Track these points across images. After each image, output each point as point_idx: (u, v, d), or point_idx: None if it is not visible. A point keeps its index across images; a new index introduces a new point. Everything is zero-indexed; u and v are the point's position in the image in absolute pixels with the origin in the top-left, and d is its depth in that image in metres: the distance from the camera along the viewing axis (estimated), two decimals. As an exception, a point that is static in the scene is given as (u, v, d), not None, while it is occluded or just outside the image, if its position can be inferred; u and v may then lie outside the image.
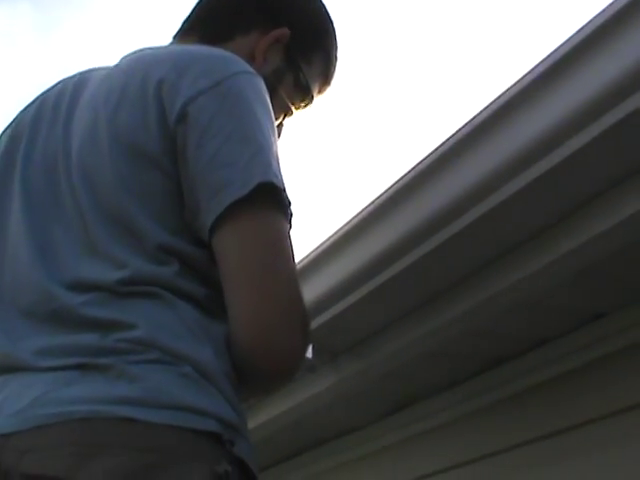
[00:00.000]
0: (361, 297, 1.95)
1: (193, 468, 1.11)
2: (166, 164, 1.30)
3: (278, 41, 1.66)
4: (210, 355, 1.22)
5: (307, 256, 2.05)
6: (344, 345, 2.20)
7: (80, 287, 1.26)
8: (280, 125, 1.74)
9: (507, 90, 1.58)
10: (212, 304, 1.28)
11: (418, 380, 2.40)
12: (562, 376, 2.12)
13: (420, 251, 1.78)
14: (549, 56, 1.51)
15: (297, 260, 2.05)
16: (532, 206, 1.64)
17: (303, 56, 1.70)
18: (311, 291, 2.01)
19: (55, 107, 1.47)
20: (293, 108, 1.73)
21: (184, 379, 1.18)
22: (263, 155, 1.29)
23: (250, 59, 1.57)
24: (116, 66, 1.48)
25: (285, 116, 1.74)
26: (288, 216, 1.31)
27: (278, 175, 1.29)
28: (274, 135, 1.35)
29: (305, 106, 1.76)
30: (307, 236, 2.12)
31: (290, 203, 1.31)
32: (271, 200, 1.28)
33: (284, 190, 1.29)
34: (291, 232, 1.32)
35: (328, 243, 1.99)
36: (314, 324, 2.06)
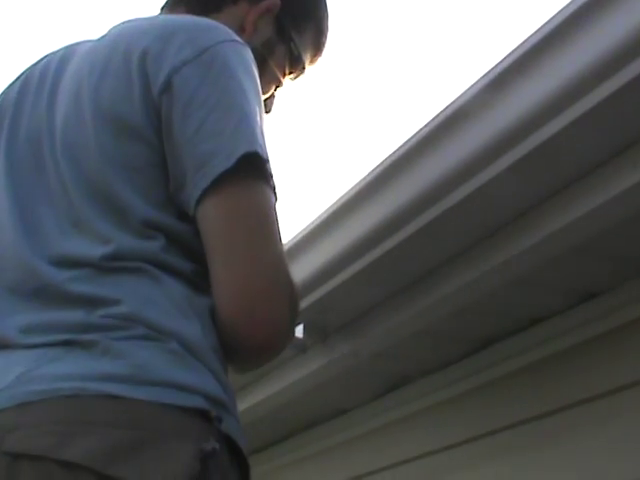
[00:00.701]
0: (350, 276, 1.93)
1: (179, 446, 1.09)
2: (150, 136, 1.28)
3: (268, 11, 1.64)
4: (197, 330, 1.21)
5: (296, 235, 2.04)
6: (335, 325, 2.19)
7: (65, 263, 1.25)
8: (271, 97, 1.72)
9: (493, 68, 1.57)
10: (198, 279, 1.27)
11: (409, 361, 2.39)
12: (553, 357, 2.11)
13: (409, 229, 1.76)
14: (539, 30, 1.49)
15: (286, 239, 2.06)
16: (521, 183, 1.62)
17: (294, 26, 1.68)
18: (301, 270, 2.00)
19: (40, 82, 1.45)
20: (284, 79, 1.71)
21: (170, 355, 1.17)
22: (248, 124, 1.27)
23: (239, 30, 1.55)
24: (101, 38, 1.45)
25: (276, 88, 1.72)
26: (273, 187, 1.29)
27: (263, 146, 1.27)
28: (260, 105, 1.33)
29: (296, 77, 1.74)
30: (296, 215, 2.10)
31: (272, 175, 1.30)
32: (256, 171, 1.26)
33: (268, 161, 1.27)
34: (277, 204, 1.30)
35: (317, 222, 1.97)
36: (304, 303, 2.04)
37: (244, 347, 1.25)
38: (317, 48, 1.76)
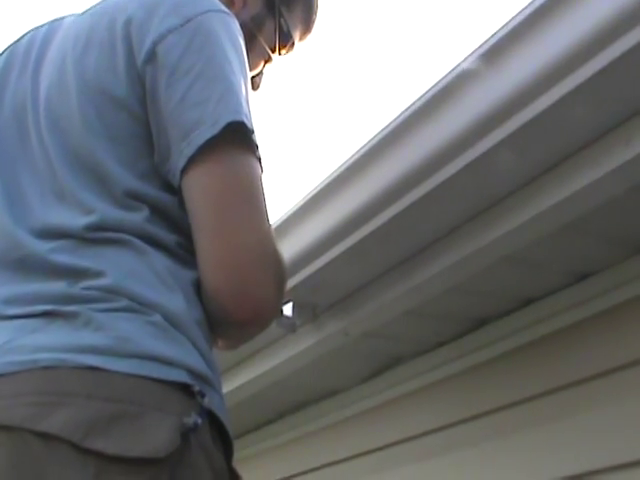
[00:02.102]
0: (340, 253, 1.90)
1: (160, 420, 1.07)
2: (134, 107, 1.26)
3: None
4: (181, 303, 1.19)
5: (286, 212, 2.01)
6: (325, 304, 2.16)
7: (48, 234, 1.23)
8: (260, 73, 1.71)
9: (487, 39, 1.53)
10: (183, 251, 1.25)
11: (402, 341, 2.37)
12: (548, 337, 2.10)
13: (400, 206, 1.73)
14: (533, 1, 1.46)
15: (276, 217, 2.03)
16: (513, 159, 1.59)
17: (283, 2, 1.66)
18: (290, 247, 1.98)
19: (24, 57, 1.44)
20: (273, 55, 1.69)
21: (153, 328, 1.15)
22: (233, 94, 1.24)
23: (229, 4, 1.53)
24: (85, 11, 1.43)
25: (265, 64, 1.70)
26: (259, 158, 1.26)
27: (248, 116, 1.25)
28: (245, 76, 1.31)
29: (285, 53, 1.72)
30: (285, 192, 2.08)
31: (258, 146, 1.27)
32: (242, 140, 1.24)
33: (254, 132, 1.25)
34: (263, 175, 1.27)
35: (306, 199, 1.94)
36: (294, 281, 2.02)
37: (229, 320, 1.23)
38: (307, 25, 1.74)
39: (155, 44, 1.25)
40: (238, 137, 1.23)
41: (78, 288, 1.16)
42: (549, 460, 2.02)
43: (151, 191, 1.25)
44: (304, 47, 1.78)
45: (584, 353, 1.99)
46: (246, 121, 1.23)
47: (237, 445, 1.24)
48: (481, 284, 2.01)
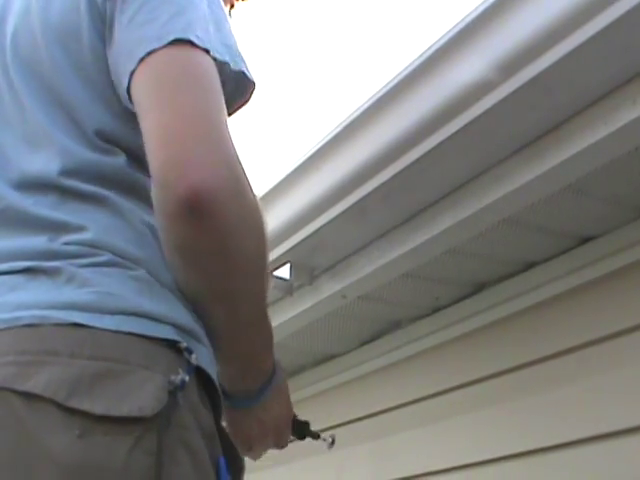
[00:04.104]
0: (339, 213, 1.88)
1: (146, 378, 1.04)
2: (99, 46, 1.21)
3: None
4: (161, 257, 1.15)
5: (284, 172, 1.98)
6: (322, 266, 2.14)
7: (26, 185, 1.19)
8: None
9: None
10: None
11: (400, 305, 2.35)
12: (548, 301, 2.08)
13: (400, 164, 1.70)
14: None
15: (274, 177, 2.00)
16: (519, 116, 1.56)
17: None
18: (289, 207, 1.96)
19: None
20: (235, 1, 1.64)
21: (137, 282, 1.11)
22: (185, 15, 1.18)
23: None
24: None
25: (230, 8, 1.64)
26: (215, 59, 1.17)
27: (203, 37, 1.17)
28: (215, 7, 1.24)
29: None
30: (284, 151, 2.05)
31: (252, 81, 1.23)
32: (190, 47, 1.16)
33: (208, 51, 1.17)
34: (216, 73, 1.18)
35: (305, 158, 1.91)
36: (292, 242, 2.00)
37: (172, 202, 1.09)
38: None
39: None
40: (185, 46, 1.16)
41: (59, 243, 1.13)
42: (549, 424, 2.00)
43: (125, 131, 1.19)
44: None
45: (585, 318, 1.98)
46: (195, 40, 1.15)
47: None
48: (480, 247, 1.98)
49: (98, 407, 1.00)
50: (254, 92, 1.26)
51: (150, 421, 1.02)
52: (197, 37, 1.16)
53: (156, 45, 1.13)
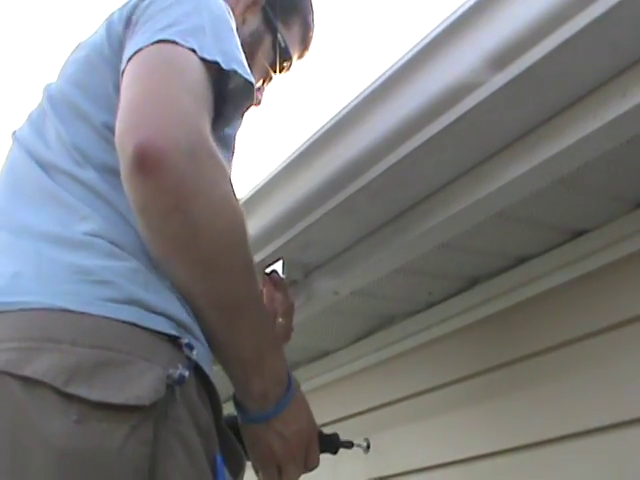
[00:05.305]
0: (331, 209, 1.87)
1: (146, 369, 1.07)
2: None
3: (255, 3, 1.68)
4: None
5: (276, 168, 1.98)
6: (315, 262, 2.14)
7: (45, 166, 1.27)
8: (261, 89, 1.75)
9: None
10: None
11: (394, 300, 2.35)
12: (542, 296, 2.07)
13: (391, 159, 1.69)
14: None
15: (266, 173, 2.00)
16: (512, 109, 1.55)
17: (281, 19, 1.72)
18: (281, 204, 1.96)
19: None
20: (272, 73, 1.73)
21: (136, 274, 1.14)
22: (178, 25, 1.24)
23: None
24: None
25: (264, 81, 1.74)
26: (201, 58, 1.22)
27: (189, 39, 1.22)
28: (222, 21, 1.31)
29: (285, 71, 1.76)
30: (275, 148, 2.05)
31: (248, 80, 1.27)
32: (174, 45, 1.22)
33: (195, 51, 1.21)
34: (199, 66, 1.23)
35: (297, 154, 1.90)
36: (284, 238, 2.00)
37: (124, 162, 1.12)
38: (304, 42, 1.80)
39: (131, 11, 1.32)
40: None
41: (69, 231, 1.17)
42: (543, 419, 2.00)
43: None
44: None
45: (578, 311, 1.97)
46: (180, 41, 1.21)
47: (227, 408, 1.21)
48: (474, 242, 1.98)
49: (95, 394, 1.02)
50: (254, 92, 1.30)
51: (147, 411, 1.03)
52: (183, 39, 1.21)
53: (142, 45, 1.20)
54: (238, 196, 1.21)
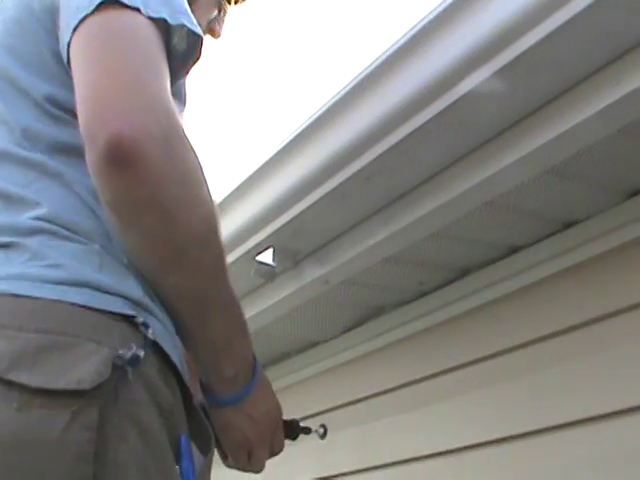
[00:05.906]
0: (321, 197, 1.86)
1: (92, 351, 1.02)
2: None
3: None
4: (109, 229, 1.14)
5: (266, 155, 1.96)
6: (305, 250, 2.12)
7: None
8: (217, 20, 1.64)
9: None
10: None
11: (384, 290, 2.34)
12: (532, 286, 2.07)
13: (381, 147, 1.68)
14: None
15: (256, 161, 1.98)
16: (502, 96, 1.54)
17: None
18: (271, 191, 1.94)
19: None
20: (227, 3, 1.64)
21: (90, 255, 1.11)
22: None
23: None
24: None
25: (220, 12, 1.64)
26: (147, 17, 1.15)
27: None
28: None
29: (238, 2, 1.67)
30: (265, 135, 2.03)
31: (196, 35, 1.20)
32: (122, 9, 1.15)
33: (138, 9, 1.15)
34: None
35: (287, 141, 1.89)
36: (275, 226, 1.99)
37: (95, 155, 1.07)
38: None
39: None
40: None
41: (19, 218, 1.13)
42: (534, 408, 2.00)
43: (72, 98, 1.15)
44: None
45: (569, 302, 1.97)
46: (127, 2, 1.13)
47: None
48: (464, 231, 1.97)
49: (35, 380, 0.99)
50: (203, 46, 1.23)
51: (90, 395, 1.00)
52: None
53: (85, 12, 1.12)
54: (229, 185, 1.19)
